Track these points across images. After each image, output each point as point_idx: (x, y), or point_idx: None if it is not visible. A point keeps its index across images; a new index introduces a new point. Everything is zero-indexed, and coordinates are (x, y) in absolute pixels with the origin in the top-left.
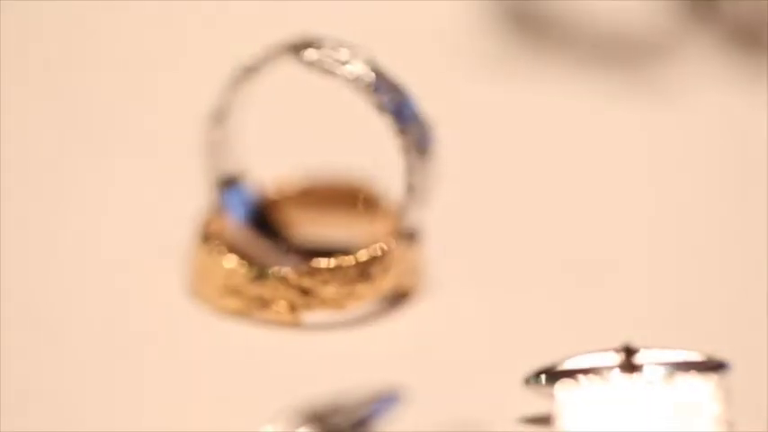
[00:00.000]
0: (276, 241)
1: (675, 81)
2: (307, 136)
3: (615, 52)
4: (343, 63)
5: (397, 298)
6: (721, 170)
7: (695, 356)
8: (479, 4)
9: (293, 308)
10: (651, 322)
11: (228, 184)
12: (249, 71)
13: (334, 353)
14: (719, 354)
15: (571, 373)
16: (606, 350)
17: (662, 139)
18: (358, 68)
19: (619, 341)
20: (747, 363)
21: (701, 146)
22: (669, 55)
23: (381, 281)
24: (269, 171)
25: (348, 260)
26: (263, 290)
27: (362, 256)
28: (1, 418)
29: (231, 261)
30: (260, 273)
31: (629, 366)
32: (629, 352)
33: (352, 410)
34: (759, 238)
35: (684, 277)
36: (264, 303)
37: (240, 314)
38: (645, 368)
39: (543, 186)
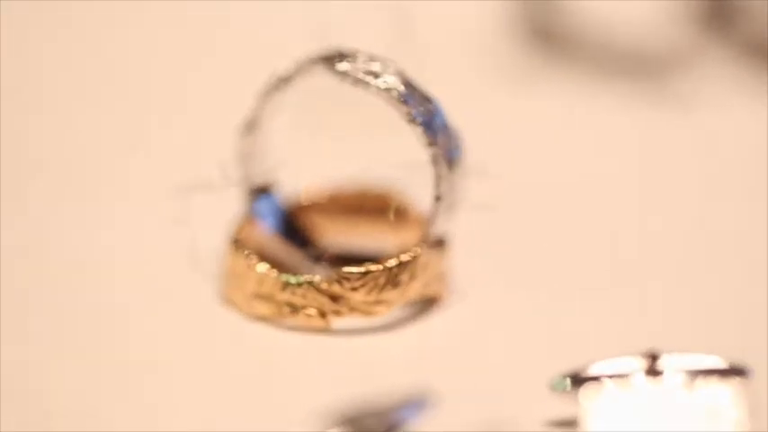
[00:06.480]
0: (306, 249)
1: (692, 92)
2: (337, 146)
3: (635, 64)
4: (375, 75)
5: (425, 304)
6: (741, 177)
7: (718, 362)
8: (507, 16)
9: (323, 314)
10: (675, 328)
11: (260, 192)
12: (282, 82)
13: (363, 358)
14: (743, 359)
15: (596, 378)
16: (630, 355)
17: (683, 148)
18: (389, 81)
19: (643, 346)
20: None
21: (721, 154)
22: (686, 67)
23: (409, 287)
24: (300, 180)
25: (377, 267)
26: (294, 296)
27: (391, 263)
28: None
29: (262, 268)
30: (290, 279)
31: (653, 372)
32: (654, 357)
33: (382, 413)
34: None
35: (707, 283)
36: (295, 309)
37: (271, 320)
38: (668, 373)
39: (567, 193)
